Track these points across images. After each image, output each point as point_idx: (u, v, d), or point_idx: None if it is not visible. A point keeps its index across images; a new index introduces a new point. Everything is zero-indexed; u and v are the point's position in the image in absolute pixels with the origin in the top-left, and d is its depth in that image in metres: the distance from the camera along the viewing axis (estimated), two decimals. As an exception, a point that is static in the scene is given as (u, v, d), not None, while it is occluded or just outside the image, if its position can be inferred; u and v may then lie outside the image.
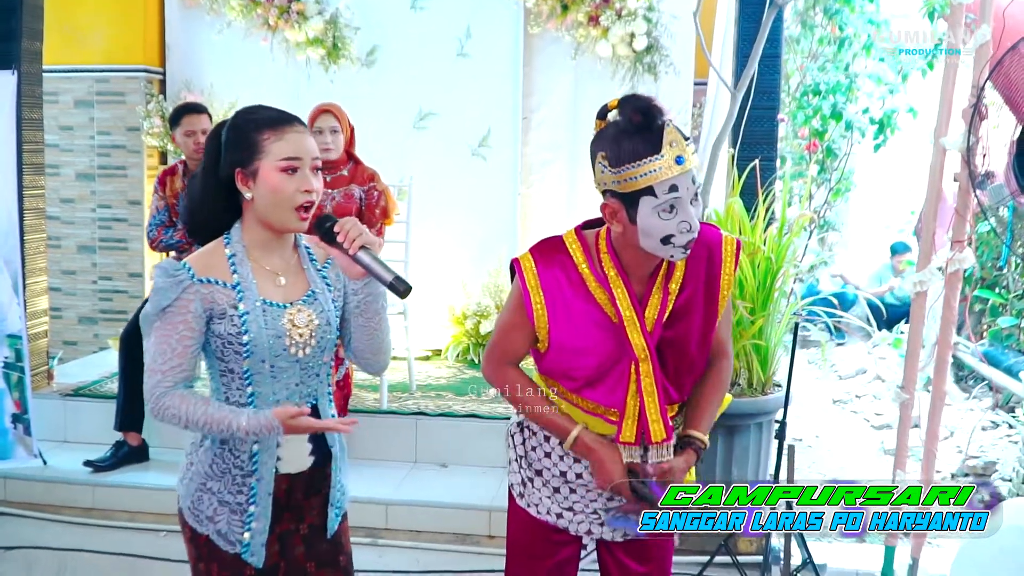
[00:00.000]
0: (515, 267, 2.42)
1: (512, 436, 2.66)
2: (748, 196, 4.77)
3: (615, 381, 2.41)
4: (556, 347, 2.42)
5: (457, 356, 6.94)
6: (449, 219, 6.90)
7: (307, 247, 2.44)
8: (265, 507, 2.36)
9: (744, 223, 4.62)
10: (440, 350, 7.08)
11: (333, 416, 2.49)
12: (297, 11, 6.77)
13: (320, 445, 2.43)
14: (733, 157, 4.98)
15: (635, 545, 2.58)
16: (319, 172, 2.35)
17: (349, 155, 5.42)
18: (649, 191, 2.20)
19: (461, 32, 6.94)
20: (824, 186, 6.01)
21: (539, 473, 2.60)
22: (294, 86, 6.98)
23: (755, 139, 5.10)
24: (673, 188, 2.19)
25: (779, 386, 4.62)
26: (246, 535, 2.36)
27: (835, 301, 4.93)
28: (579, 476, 2.55)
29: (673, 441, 2.45)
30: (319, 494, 2.48)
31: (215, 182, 2.31)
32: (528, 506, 2.62)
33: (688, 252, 2.27)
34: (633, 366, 2.38)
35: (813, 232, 5.34)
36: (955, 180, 3.90)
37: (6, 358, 5.09)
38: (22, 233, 5.37)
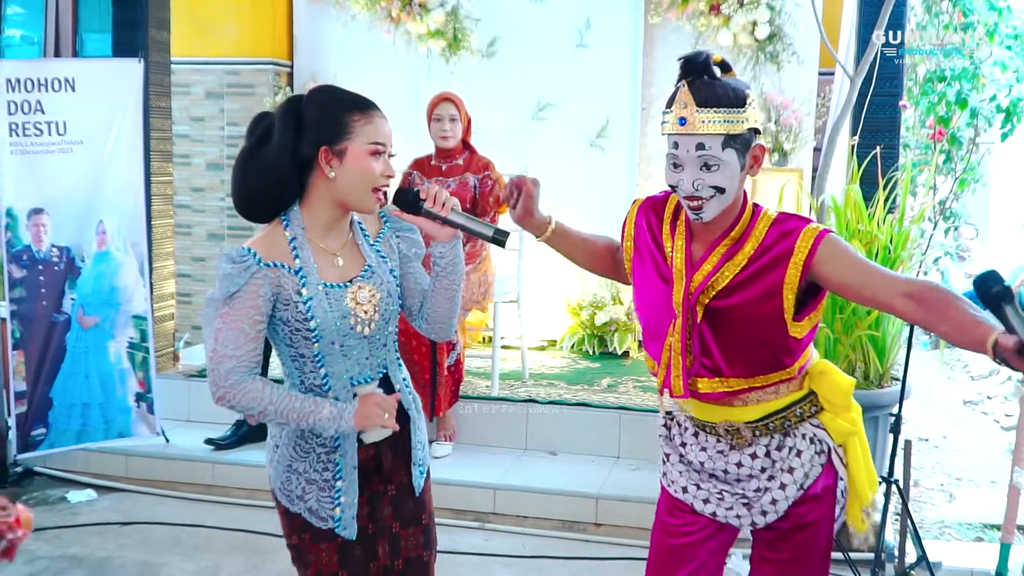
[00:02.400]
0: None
1: (660, 417, 2.70)
2: (869, 185, 4.65)
3: (663, 342, 2.44)
4: (633, 283, 2.55)
5: (572, 347, 6.93)
6: (566, 209, 6.78)
7: (359, 223, 2.47)
8: (352, 481, 2.40)
9: (862, 211, 4.50)
10: (555, 340, 7.09)
11: (405, 379, 2.53)
12: (419, 3, 6.85)
13: (398, 409, 2.44)
14: (853, 146, 4.86)
15: (771, 535, 2.53)
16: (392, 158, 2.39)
17: (465, 144, 5.48)
18: (667, 139, 2.35)
19: (581, 23, 6.93)
20: (950, 176, 5.82)
21: (679, 454, 2.61)
22: (415, 77, 7.08)
23: (877, 126, 4.98)
24: (675, 145, 2.30)
25: (897, 380, 4.49)
26: (336, 510, 2.39)
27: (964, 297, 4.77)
28: (702, 463, 2.55)
29: (687, 397, 2.44)
30: (404, 455, 2.52)
31: (290, 159, 2.31)
32: (668, 484, 2.64)
33: (699, 217, 2.32)
34: (672, 322, 2.40)
35: (937, 223, 5.15)
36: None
37: (131, 338, 5.29)
38: (149, 218, 5.57)
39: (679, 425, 2.61)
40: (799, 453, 2.46)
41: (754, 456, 2.48)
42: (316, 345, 2.32)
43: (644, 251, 2.51)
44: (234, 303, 2.25)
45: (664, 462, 2.65)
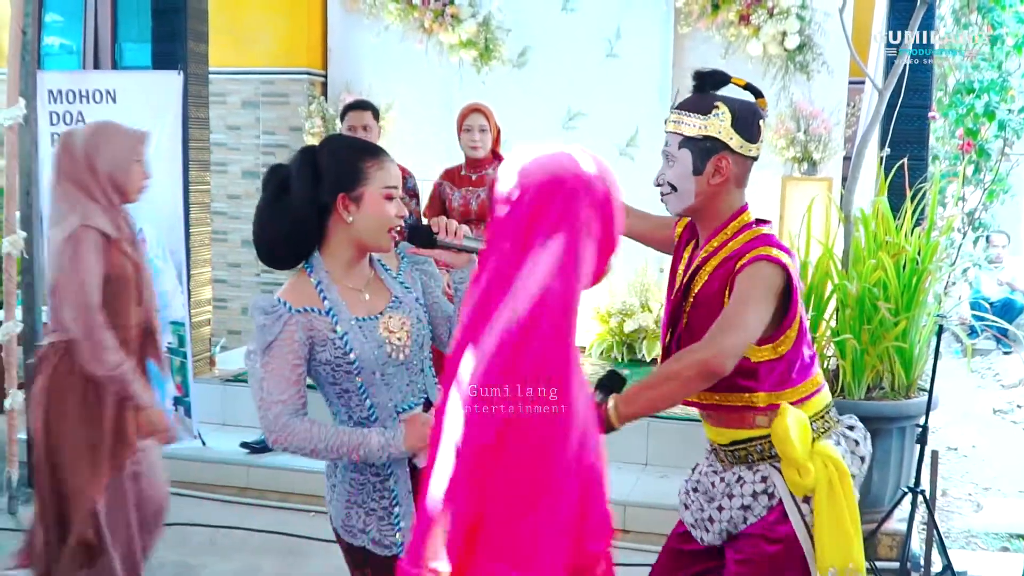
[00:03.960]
0: None
1: None
2: (898, 196, 4.68)
3: None
4: None
5: (601, 354, 6.98)
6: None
7: (380, 260, 2.57)
8: (408, 504, 2.46)
9: (889, 223, 4.54)
10: (584, 347, 7.13)
11: None
12: (451, 14, 6.94)
13: None
14: (882, 157, 4.89)
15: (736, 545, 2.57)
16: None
17: (495, 154, 5.55)
18: None
19: (611, 33, 6.99)
20: (979, 188, 5.84)
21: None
22: (447, 87, 7.16)
23: (905, 138, 5.00)
24: None
25: (924, 390, 4.52)
26: (398, 535, 2.46)
27: (987, 306, 4.78)
28: (701, 470, 2.68)
29: None
30: None
31: (313, 207, 2.40)
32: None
33: (669, 209, 2.55)
34: None
35: (966, 234, 5.18)
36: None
37: (169, 344, 5.38)
38: (187, 226, 5.67)
39: None
40: (743, 484, 2.50)
41: (721, 480, 2.57)
42: (359, 378, 2.40)
43: (675, 256, 2.68)
44: (272, 352, 2.34)
45: None
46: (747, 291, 2.35)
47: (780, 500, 2.46)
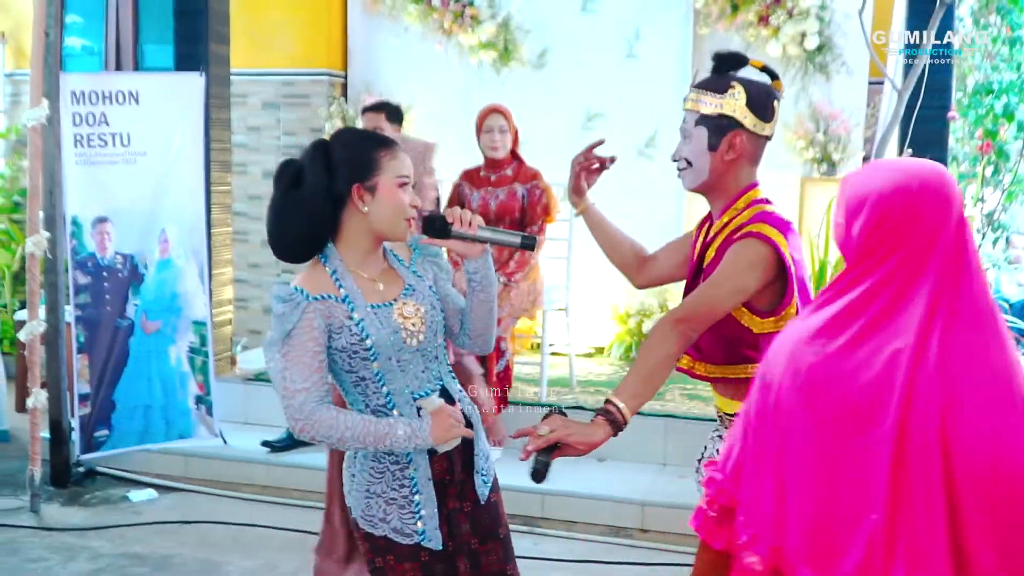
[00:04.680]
0: None
1: None
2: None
3: None
4: None
5: (620, 354, 7.00)
6: (614, 218, 6.86)
7: (392, 251, 2.60)
8: (428, 493, 2.49)
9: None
10: (603, 348, 7.15)
11: (461, 391, 2.62)
12: (471, 15, 6.97)
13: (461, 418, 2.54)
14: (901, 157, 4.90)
15: None
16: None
17: (514, 155, 5.57)
18: None
19: (630, 34, 7.00)
20: (998, 188, 5.83)
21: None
22: (466, 88, 7.18)
23: (924, 138, 5.00)
24: None
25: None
26: (419, 524, 2.48)
27: (1007, 307, 4.78)
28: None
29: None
30: (470, 465, 2.60)
31: (327, 199, 2.43)
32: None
33: (684, 184, 2.62)
34: None
35: (986, 235, 5.18)
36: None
37: (191, 343, 5.43)
38: (209, 226, 5.72)
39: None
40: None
41: None
42: (375, 364, 2.42)
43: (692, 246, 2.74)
44: (292, 340, 2.35)
45: None
46: (726, 266, 2.46)
47: None
